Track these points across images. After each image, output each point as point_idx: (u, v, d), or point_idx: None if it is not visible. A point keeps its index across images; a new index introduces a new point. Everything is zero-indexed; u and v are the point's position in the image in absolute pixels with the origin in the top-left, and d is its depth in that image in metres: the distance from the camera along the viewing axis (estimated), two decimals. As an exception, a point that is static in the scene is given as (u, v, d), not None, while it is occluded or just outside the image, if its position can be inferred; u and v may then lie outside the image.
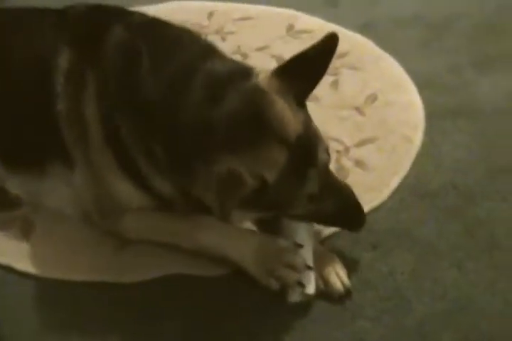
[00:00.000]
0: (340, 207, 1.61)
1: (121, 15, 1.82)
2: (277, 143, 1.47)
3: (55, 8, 1.91)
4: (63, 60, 1.74)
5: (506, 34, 2.60)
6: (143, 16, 1.83)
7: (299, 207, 1.57)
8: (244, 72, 1.58)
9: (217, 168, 1.44)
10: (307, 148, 1.52)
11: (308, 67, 1.54)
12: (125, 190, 1.71)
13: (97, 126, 1.69)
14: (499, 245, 1.76)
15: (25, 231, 1.87)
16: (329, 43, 1.54)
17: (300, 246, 1.61)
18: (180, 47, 1.68)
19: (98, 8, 1.85)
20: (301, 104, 1.56)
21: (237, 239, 1.66)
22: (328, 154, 1.60)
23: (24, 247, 1.83)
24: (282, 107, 1.50)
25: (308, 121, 1.56)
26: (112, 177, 1.71)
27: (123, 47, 1.70)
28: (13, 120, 1.84)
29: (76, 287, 1.72)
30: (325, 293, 1.63)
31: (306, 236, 1.66)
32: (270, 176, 1.45)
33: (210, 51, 1.69)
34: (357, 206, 1.64)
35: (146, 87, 1.61)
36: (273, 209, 1.59)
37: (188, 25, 2.14)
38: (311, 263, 1.61)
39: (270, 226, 1.71)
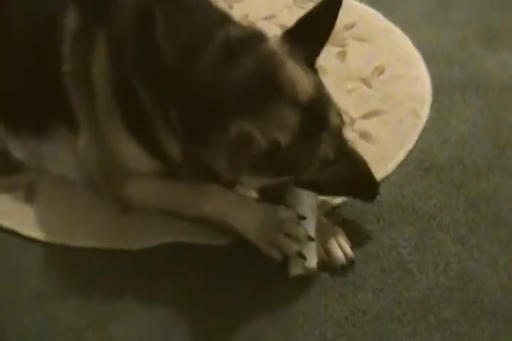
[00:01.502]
0: (354, 175, 1.61)
1: None
2: (289, 105, 1.47)
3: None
4: (71, 20, 1.71)
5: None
6: None
7: (312, 172, 1.57)
8: (258, 37, 1.58)
9: (230, 130, 1.42)
10: (319, 111, 1.53)
11: (315, 28, 1.55)
12: (132, 153, 1.69)
13: (106, 88, 1.66)
14: (504, 220, 1.76)
15: (29, 196, 1.86)
16: (333, 1, 1.54)
17: (303, 217, 1.60)
18: (197, 12, 1.67)
19: None
20: (312, 67, 1.57)
21: (241, 208, 1.64)
22: (342, 119, 1.60)
23: (27, 211, 1.82)
24: (294, 69, 1.51)
25: (319, 84, 1.56)
26: (118, 140, 1.69)
27: (136, 8, 1.67)
28: (15, 79, 1.81)
29: (78, 252, 1.71)
30: (328, 264, 1.62)
31: (309, 208, 1.65)
32: (283, 138, 1.45)
33: (225, 17, 1.68)
34: (371, 176, 1.65)
35: (163, 50, 1.59)
36: (286, 174, 1.57)
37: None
38: (313, 234, 1.59)
39: (273, 196, 1.69)
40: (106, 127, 1.69)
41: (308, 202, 1.65)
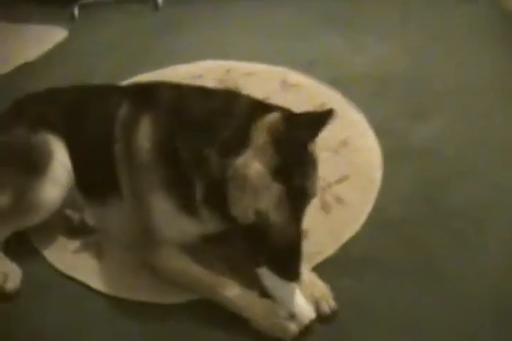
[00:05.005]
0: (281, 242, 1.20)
1: (165, 84, 1.51)
2: None
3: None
4: (123, 111, 1.45)
5: (430, 92, 2.13)
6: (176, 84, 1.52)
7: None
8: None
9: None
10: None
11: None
12: (166, 212, 1.32)
13: (149, 152, 1.33)
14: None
15: (98, 255, 1.52)
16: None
17: (293, 316, 1.25)
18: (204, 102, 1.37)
19: (147, 82, 1.57)
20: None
21: (249, 302, 1.28)
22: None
23: (96, 267, 1.47)
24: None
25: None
26: (156, 199, 1.32)
27: (169, 101, 1.40)
28: (89, 162, 1.51)
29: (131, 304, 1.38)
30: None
31: (297, 297, 1.28)
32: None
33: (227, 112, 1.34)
34: (297, 250, 1.21)
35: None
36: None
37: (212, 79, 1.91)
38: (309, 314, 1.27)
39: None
40: (145, 190, 1.34)
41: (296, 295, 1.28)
